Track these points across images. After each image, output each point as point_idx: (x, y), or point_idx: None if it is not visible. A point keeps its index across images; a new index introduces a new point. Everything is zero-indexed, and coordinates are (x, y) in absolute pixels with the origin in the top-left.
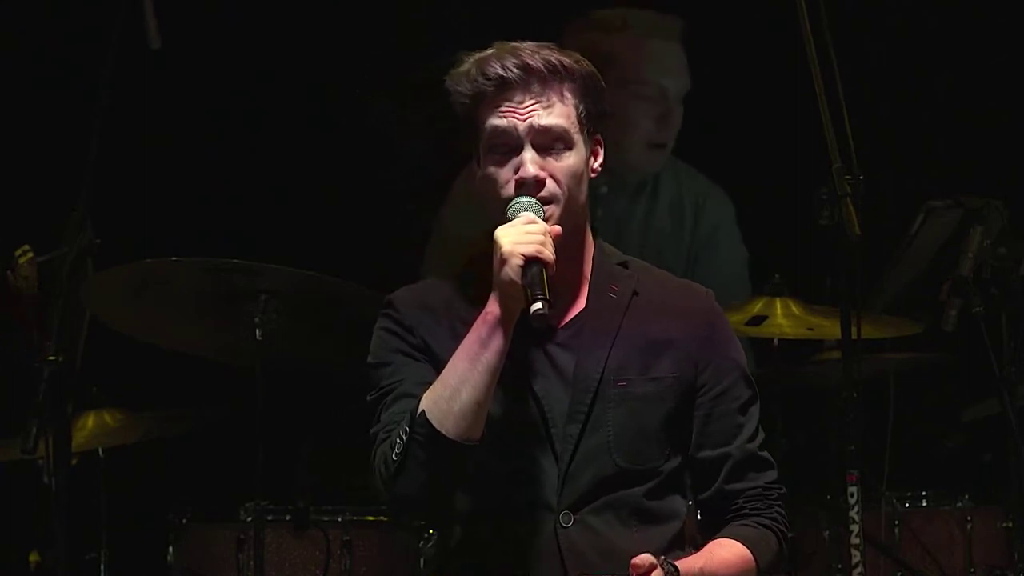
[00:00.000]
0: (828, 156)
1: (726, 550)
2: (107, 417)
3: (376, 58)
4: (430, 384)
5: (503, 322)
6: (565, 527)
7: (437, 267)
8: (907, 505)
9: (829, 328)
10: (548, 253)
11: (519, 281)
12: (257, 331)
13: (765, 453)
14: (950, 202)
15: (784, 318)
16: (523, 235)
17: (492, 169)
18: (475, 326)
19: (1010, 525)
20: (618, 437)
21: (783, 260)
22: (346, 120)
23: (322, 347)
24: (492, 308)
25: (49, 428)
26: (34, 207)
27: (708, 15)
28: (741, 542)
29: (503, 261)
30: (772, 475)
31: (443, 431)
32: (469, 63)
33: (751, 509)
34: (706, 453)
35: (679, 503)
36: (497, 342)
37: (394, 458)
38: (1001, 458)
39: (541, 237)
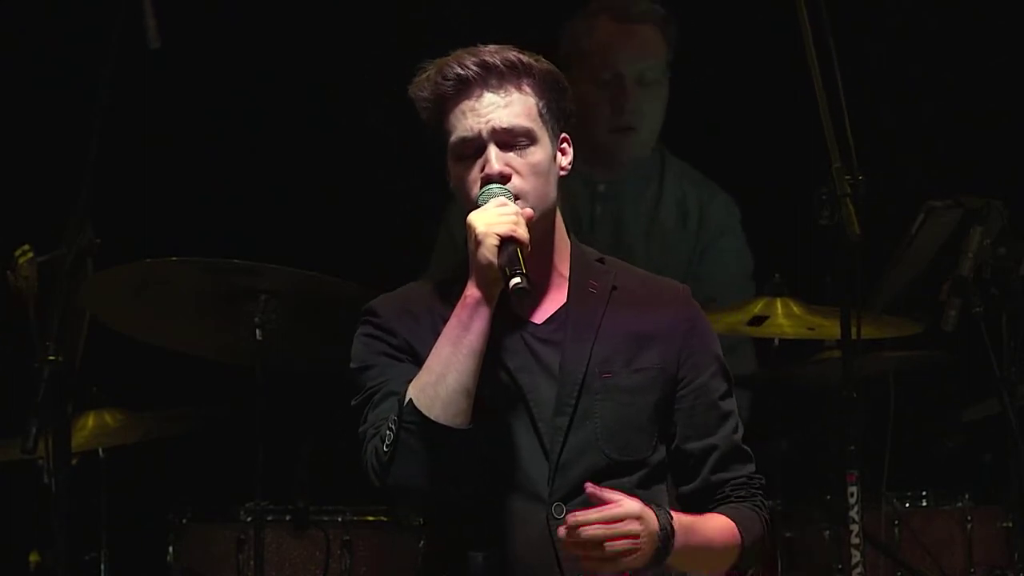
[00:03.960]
0: (828, 156)
1: (714, 520)
2: (107, 417)
3: (376, 58)
4: None
5: (483, 304)
6: (558, 518)
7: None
8: (907, 505)
9: (829, 328)
10: (522, 232)
11: (496, 261)
12: (257, 331)
13: (745, 445)
14: (950, 202)
15: (784, 318)
16: (496, 216)
17: (460, 173)
18: (455, 311)
19: (1010, 525)
20: (607, 429)
21: (783, 260)
22: (346, 120)
23: (322, 347)
24: (471, 291)
25: (49, 428)
26: (34, 207)
27: (709, 16)
28: (728, 517)
29: (478, 243)
30: (752, 466)
31: (432, 417)
32: (430, 69)
33: (736, 497)
34: (692, 444)
35: (664, 493)
36: (479, 324)
37: (385, 449)
38: (1001, 458)
39: (514, 217)
